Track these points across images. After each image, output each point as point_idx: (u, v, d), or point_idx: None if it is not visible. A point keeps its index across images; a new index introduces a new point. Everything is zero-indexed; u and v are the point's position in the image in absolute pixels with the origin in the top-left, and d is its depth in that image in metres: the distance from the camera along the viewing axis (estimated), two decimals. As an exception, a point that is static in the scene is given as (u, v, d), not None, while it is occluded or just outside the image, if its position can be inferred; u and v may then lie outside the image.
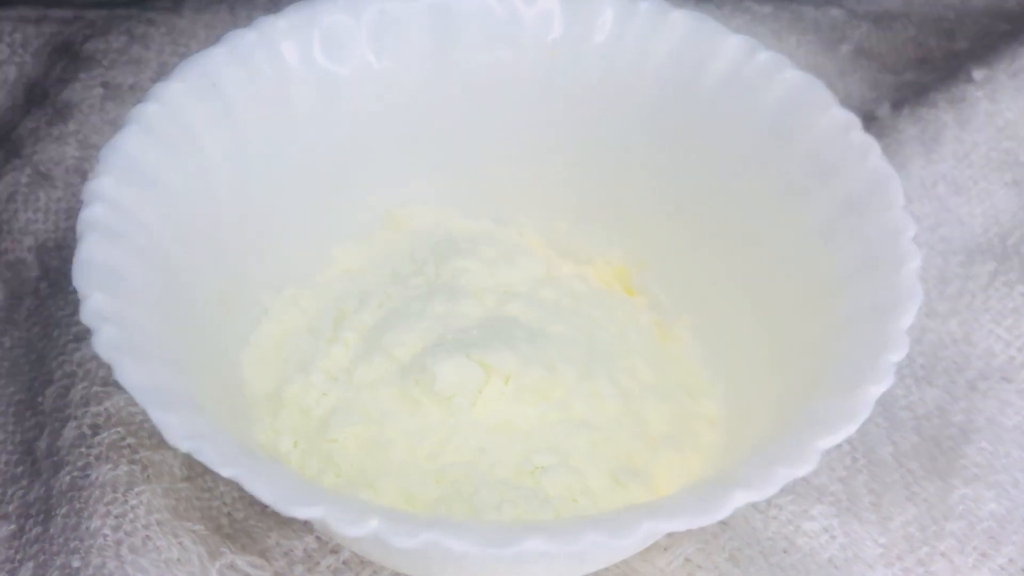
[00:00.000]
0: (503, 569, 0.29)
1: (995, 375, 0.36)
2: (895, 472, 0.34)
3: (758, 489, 0.24)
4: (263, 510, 0.32)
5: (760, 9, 0.45)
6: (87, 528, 0.29)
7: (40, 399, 0.33)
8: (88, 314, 0.26)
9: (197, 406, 0.26)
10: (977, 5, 0.47)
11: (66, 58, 0.42)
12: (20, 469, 0.32)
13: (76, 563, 0.29)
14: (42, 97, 0.41)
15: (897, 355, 0.26)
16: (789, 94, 0.32)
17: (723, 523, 0.32)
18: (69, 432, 0.32)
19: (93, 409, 0.32)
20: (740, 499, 0.23)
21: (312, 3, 0.34)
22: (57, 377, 0.33)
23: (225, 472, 0.24)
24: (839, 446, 0.34)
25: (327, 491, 0.24)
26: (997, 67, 0.41)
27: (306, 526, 0.32)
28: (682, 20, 0.34)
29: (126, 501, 0.30)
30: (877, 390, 0.26)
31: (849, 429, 0.25)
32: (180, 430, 0.24)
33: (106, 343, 0.26)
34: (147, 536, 0.29)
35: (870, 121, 0.41)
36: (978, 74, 0.41)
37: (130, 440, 0.31)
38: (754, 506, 0.33)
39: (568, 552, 0.23)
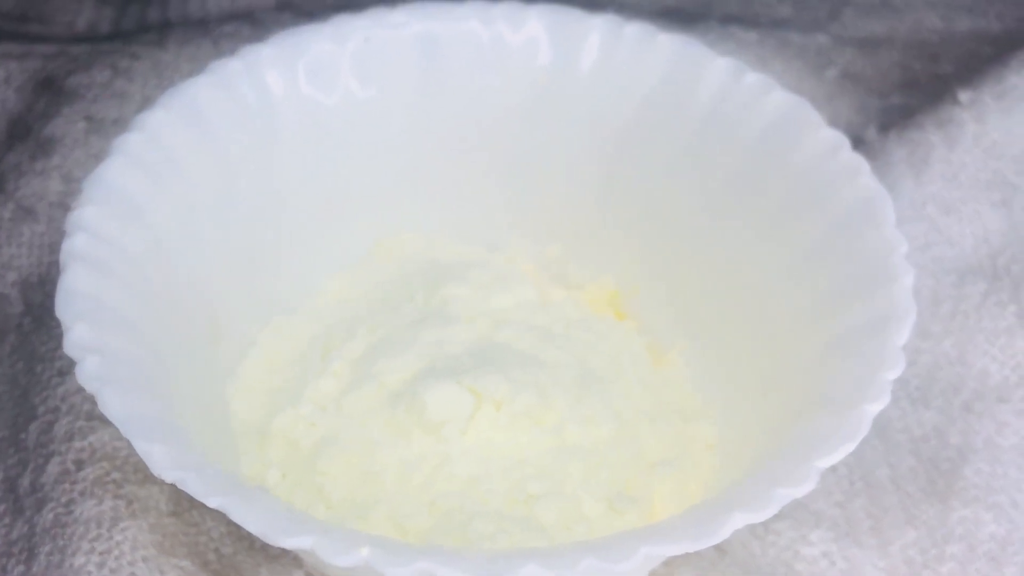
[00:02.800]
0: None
1: (991, 395, 0.35)
2: (893, 495, 0.33)
3: (757, 511, 0.23)
4: (251, 545, 0.31)
5: (746, 36, 0.45)
6: (71, 565, 0.29)
7: (23, 435, 0.32)
8: (71, 345, 0.26)
9: (183, 437, 0.25)
10: (961, 29, 0.47)
11: (49, 93, 0.41)
12: (2, 507, 0.32)
13: (59, 602, 0.28)
14: (25, 132, 0.40)
15: (894, 372, 0.26)
16: (777, 115, 0.32)
17: (721, 550, 0.32)
18: (53, 468, 0.31)
19: (77, 444, 0.31)
20: (739, 521, 0.23)
21: (297, 32, 0.34)
22: (40, 412, 0.33)
23: (212, 502, 0.23)
24: (835, 470, 0.34)
25: (316, 520, 0.23)
26: (983, 89, 0.41)
27: (295, 561, 0.31)
28: (669, 44, 0.34)
29: (111, 537, 0.29)
30: (875, 408, 0.25)
31: (848, 448, 0.25)
32: (165, 460, 0.24)
33: (89, 374, 0.25)
34: (132, 573, 0.29)
35: (858, 145, 0.41)
36: (964, 96, 0.41)
37: (115, 475, 0.31)
38: (752, 532, 0.32)
39: (564, 577, 0.22)
